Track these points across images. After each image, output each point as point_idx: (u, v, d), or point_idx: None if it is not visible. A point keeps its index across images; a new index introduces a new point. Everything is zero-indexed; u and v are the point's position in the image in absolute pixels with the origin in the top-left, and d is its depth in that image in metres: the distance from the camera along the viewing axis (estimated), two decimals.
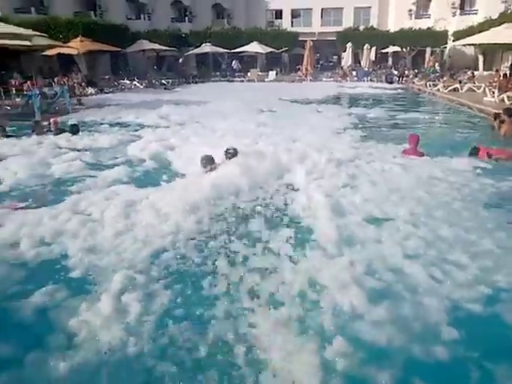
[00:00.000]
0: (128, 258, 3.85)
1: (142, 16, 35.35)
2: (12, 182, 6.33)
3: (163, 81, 27.11)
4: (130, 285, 3.43)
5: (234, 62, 33.35)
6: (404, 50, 33.16)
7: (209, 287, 3.52)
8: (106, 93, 22.19)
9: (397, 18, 35.47)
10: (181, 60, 32.02)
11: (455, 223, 4.57)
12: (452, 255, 3.90)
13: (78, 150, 8.43)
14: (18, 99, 17.26)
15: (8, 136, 9.65)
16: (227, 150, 6.38)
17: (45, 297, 3.27)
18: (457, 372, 2.66)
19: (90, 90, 21.88)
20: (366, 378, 2.53)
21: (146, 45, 28.81)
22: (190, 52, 32.80)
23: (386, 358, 2.67)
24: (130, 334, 2.89)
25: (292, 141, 8.62)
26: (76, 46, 22.11)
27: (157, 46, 28.99)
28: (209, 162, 6.14)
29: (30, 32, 15.41)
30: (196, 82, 29.78)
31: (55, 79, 20.20)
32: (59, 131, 10.02)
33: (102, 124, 12.09)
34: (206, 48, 31.82)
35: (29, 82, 18.92)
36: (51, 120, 10.45)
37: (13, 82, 19.14)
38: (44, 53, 22.01)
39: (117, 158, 8.05)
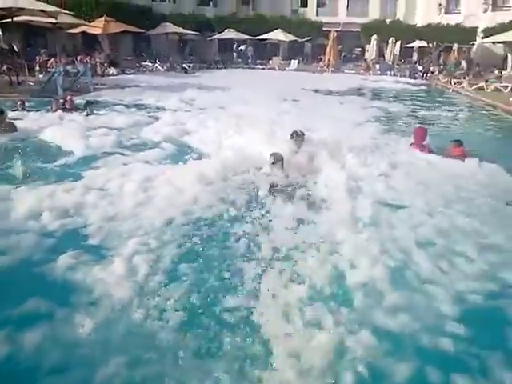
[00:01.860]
0: (144, 226, 4.11)
1: None
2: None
3: (184, 65, 27.11)
4: (143, 249, 3.71)
5: (248, 49, 33.19)
6: (430, 45, 32.41)
7: (217, 250, 3.87)
8: (127, 74, 22.29)
9: (425, 12, 34.57)
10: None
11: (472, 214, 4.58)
12: None
13: (94, 129, 8.38)
14: (41, 76, 17.53)
15: (27, 111, 9.78)
16: (295, 132, 6.09)
17: (69, 260, 3.53)
18: (458, 365, 2.66)
19: (112, 70, 22.00)
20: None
21: (170, 28, 28.74)
22: (214, 37, 32.69)
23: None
24: (137, 292, 3.17)
25: (317, 130, 8.52)
26: (100, 26, 22.22)
27: (181, 30, 28.93)
28: (277, 158, 5.56)
29: (56, 9, 15.57)
30: (218, 68, 29.72)
31: (78, 58, 20.42)
32: (75, 109, 10.16)
33: (122, 105, 12.10)
34: (230, 34, 31.63)
35: (53, 59, 19.21)
36: (67, 98, 10.60)
37: (37, 59, 19.43)
38: (69, 31, 22.22)
39: (134, 138, 8.11)
